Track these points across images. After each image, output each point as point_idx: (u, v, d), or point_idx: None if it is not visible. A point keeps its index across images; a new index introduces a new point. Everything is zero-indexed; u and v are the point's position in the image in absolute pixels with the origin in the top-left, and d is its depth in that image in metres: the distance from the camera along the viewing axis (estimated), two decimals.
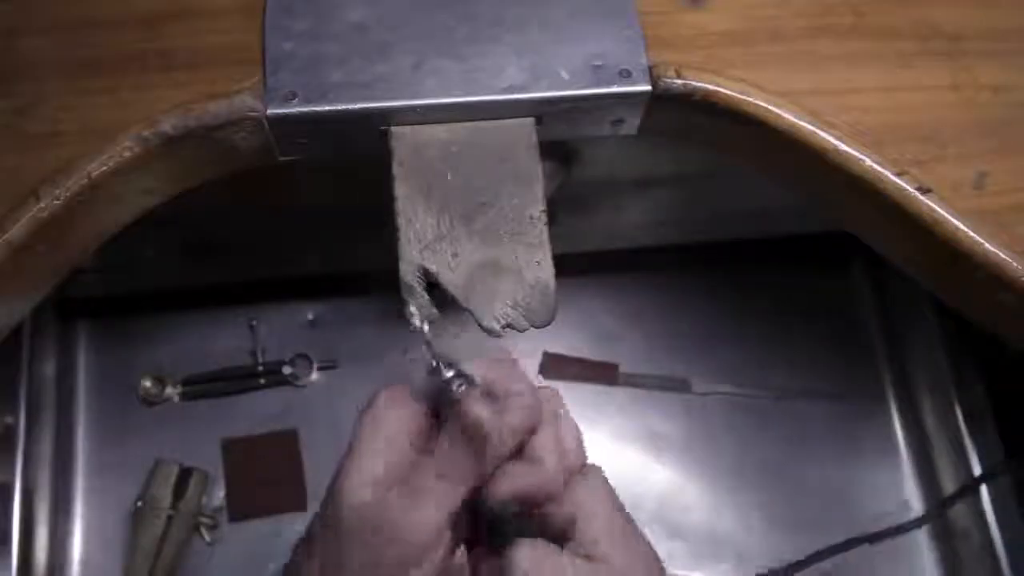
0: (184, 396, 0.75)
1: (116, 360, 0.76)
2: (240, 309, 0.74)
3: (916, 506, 0.76)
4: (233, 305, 0.75)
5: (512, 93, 0.41)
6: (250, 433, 0.74)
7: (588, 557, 0.36)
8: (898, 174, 0.41)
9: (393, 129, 0.41)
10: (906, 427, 0.79)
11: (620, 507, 0.39)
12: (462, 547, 0.39)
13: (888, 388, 0.81)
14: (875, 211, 0.42)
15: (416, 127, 0.41)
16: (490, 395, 0.36)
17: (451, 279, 0.38)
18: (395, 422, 0.37)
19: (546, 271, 0.39)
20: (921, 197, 0.41)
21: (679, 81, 0.42)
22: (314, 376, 0.76)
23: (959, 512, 0.72)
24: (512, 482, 0.36)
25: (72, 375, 0.75)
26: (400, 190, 0.40)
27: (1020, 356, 0.45)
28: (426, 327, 0.38)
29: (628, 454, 0.75)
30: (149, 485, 0.71)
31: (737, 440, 0.76)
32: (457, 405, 0.36)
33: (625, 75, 0.42)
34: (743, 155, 0.46)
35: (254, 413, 0.74)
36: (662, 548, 0.72)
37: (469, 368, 0.36)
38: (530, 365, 0.77)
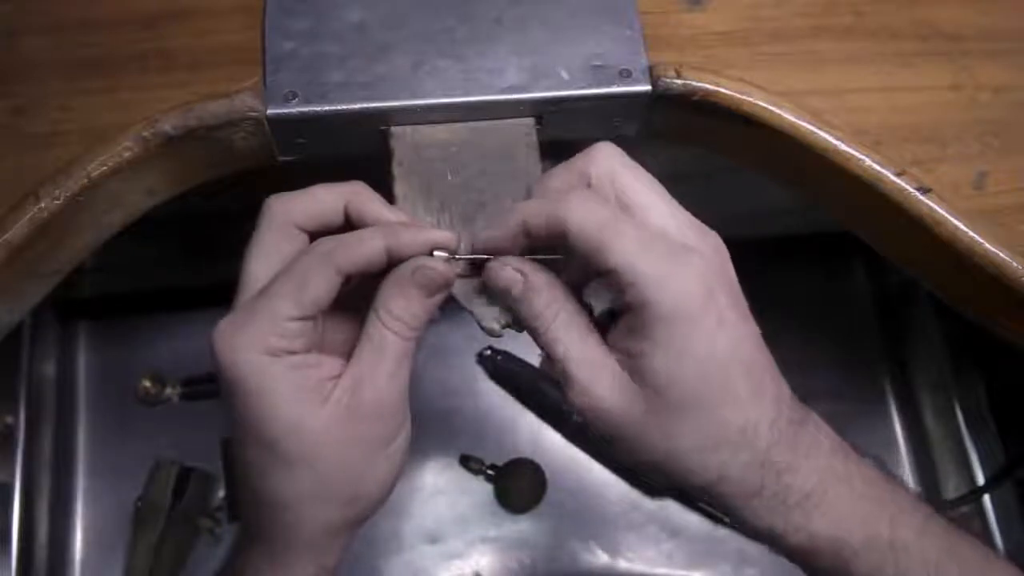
0: (184, 396, 0.75)
1: (116, 360, 0.76)
2: None
3: None
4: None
5: (512, 93, 0.41)
6: None
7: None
8: (898, 174, 0.41)
9: (393, 129, 0.41)
10: (906, 427, 0.79)
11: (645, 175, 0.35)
12: None
13: (888, 388, 0.81)
14: (875, 211, 0.42)
15: (416, 127, 0.41)
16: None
17: None
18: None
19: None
20: (921, 197, 0.41)
21: (679, 81, 0.42)
22: None
23: (961, 513, 0.72)
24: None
25: (72, 375, 0.75)
26: (400, 190, 0.40)
27: (1020, 356, 0.45)
28: None
29: None
30: (149, 485, 0.71)
31: None
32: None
33: (625, 75, 0.42)
34: (743, 155, 0.46)
35: None
36: (662, 548, 0.74)
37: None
38: None
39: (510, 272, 0.35)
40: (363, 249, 0.34)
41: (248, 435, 0.34)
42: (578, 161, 0.36)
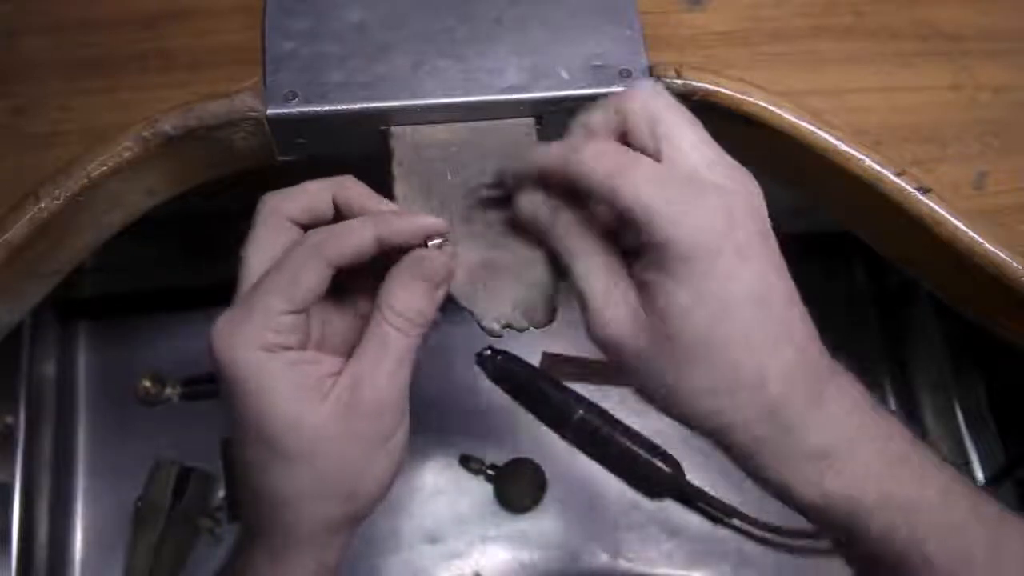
0: (184, 396, 0.75)
1: (116, 360, 0.76)
2: None
3: None
4: None
5: (512, 93, 0.41)
6: None
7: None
8: (898, 174, 0.41)
9: (393, 129, 0.41)
10: (906, 427, 0.79)
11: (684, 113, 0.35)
12: None
13: (888, 388, 0.81)
14: (875, 211, 0.42)
15: (416, 127, 0.41)
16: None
17: None
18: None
19: (546, 271, 0.39)
20: (921, 197, 0.41)
21: (679, 81, 0.42)
22: None
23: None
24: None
25: (72, 375, 0.75)
26: (400, 190, 0.40)
27: (1020, 356, 0.45)
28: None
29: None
30: (149, 485, 0.71)
31: None
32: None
33: (625, 75, 0.42)
34: (743, 155, 0.46)
35: None
36: (662, 548, 0.74)
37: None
38: None
39: (539, 199, 0.36)
40: (352, 239, 0.34)
41: (247, 432, 0.34)
42: (616, 98, 0.36)
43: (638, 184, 0.32)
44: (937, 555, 0.33)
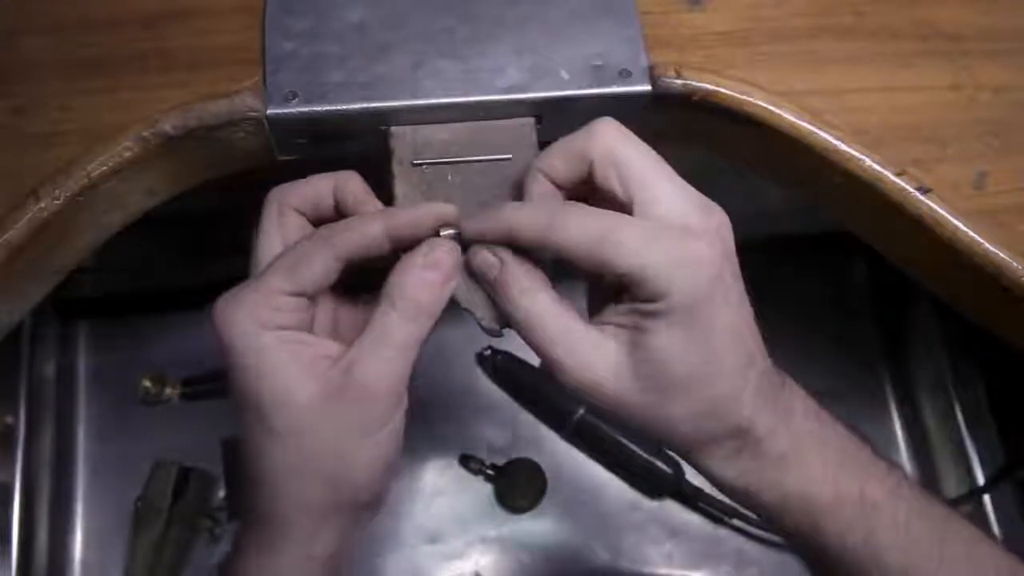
0: (184, 396, 0.75)
1: (116, 360, 0.76)
2: None
3: None
4: None
5: (512, 93, 0.41)
6: None
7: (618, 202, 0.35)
8: (898, 174, 0.41)
9: (393, 129, 0.41)
10: (906, 427, 0.79)
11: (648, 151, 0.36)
12: None
13: (888, 388, 0.81)
14: (875, 211, 0.42)
15: (416, 127, 0.41)
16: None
17: None
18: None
19: (546, 271, 0.39)
20: (921, 197, 0.41)
21: (679, 81, 0.42)
22: None
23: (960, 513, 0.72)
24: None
25: (72, 375, 0.75)
26: (400, 190, 0.40)
27: (1020, 356, 0.45)
28: None
29: None
30: (149, 485, 0.71)
31: None
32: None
33: (625, 75, 0.42)
34: (743, 155, 0.46)
35: None
36: (662, 548, 0.74)
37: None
38: None
39: (487, 256, 0.36)
40: (360, 231, 0.35)
41: (241, 407, 0.34)
42: (579, 141, 0.36)
43: (627, 249, 0.33)
44: (890, 556, 0.35)
